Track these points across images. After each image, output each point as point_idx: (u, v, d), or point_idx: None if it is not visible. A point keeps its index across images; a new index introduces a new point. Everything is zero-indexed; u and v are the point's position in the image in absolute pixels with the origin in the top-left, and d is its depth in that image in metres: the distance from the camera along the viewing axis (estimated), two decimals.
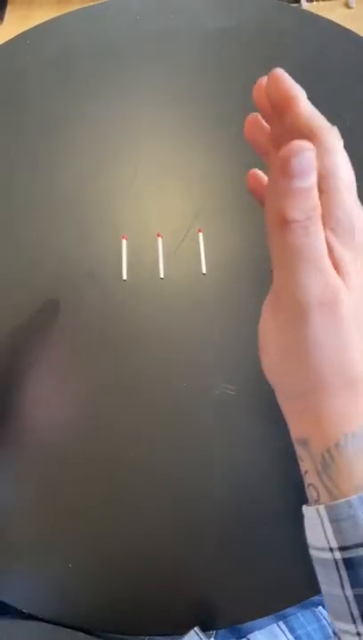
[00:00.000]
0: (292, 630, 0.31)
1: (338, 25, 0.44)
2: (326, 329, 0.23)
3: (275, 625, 0.31)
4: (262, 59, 0.43)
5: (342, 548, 0.21)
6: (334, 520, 0.21)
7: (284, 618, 0.31)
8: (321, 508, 0.21)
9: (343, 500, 0.20)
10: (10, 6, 1.51)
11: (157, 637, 0.30)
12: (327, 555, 0.21)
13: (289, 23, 0.44)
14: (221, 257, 0.36)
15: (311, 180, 0.21)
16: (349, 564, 0.20)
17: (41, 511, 0.32)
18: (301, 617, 0.32)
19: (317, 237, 0.22)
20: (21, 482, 0.32)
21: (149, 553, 0.30)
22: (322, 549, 0.22)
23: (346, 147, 0.40)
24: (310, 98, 0.43)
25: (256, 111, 0.41)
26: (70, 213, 0.39)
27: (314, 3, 1.34)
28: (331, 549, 0.21)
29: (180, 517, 0.31)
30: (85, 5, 0.47)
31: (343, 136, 0.42)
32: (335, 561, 0.21)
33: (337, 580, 0.21)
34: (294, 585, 0.29)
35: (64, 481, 0.32)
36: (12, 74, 0.44)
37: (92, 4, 0.47)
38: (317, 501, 0.22)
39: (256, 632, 0.31)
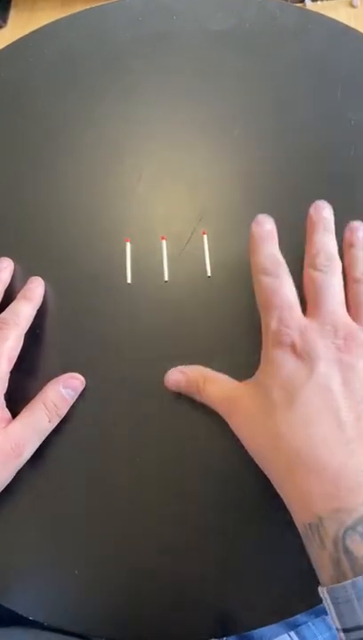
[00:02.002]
0: None
1: (342, 24, 0.43)
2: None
3: (286, 635, 0.31)
4: (266, 59, 0.42)
5: (344, 630, 0.22)
6: (335, 603, 0.22)
7: (295, 627, 0.31)
8: (324, 590, 0.23)
9: (339, 585, 0.22)
10: (13, 9, 1.52)
11: None
12: (337, 633, 0.23)
13: (293, 23, 0.44)
14: (226, 259, 0.36)
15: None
16: None
17: (45, 517, 0.31)
18: (312, 626, 0.31)
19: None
20: (26, 489, 0.32)
21: (158, 559, 0.30)
22: (335, 629, 0.23)
23: (351, 146, 0.40)
24: (314, 98, 0.43)
25: (258, 113, 0.41)
26: (73, 216, 0.38)
27: (318, 2, 1.33)
28: (338, 630, 0.22)
29: (188, 522, 0.30)
30: (87, 7, 0.47)
31: (348, 136, 0.42)
32: None
33: None
34: (305, 590, 0.28)
35: (69, 487, 0.32)
36: (15, 77, 0.44)
37: (94, 5, 0.47)
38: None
39: None
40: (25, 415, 0.30)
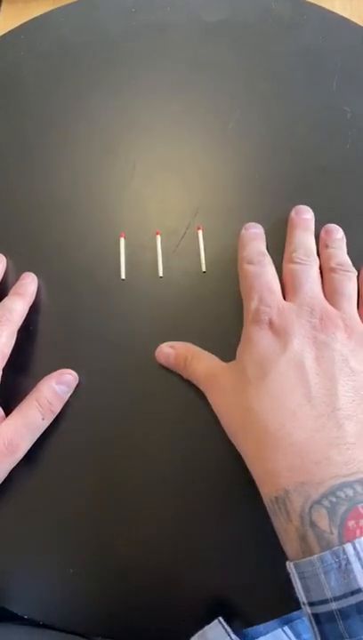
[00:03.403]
0: (297, 635, 0.30)
1: (338, 15, 0.43)
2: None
3: (280, 630, 0.31)
4: (261, 51, 0.42)
5: (310, 604, 0.22)
6: (302, 577, 0.22)
7: (289, 622, 0.31)
8: (291, 564, 0.23)
9: (306, 559, 0.22)
10: (5, 0, 1.50)
11: None
12: (303, 608, 0.23)
13: (288, 14, 0.43)
14: (221, 255, 0.36)
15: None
16: (316, 619, 0.22)
17: (40, 515, 0.31)
18: (306, 621, 0.31)
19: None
20: (21, 486, 0.32)
21: (154, 556, 0.30)
22: (301, 602, 0.23)
23: (347, 139, 0.39)
24: (310, 90, 0.43)
25: (255, 104, 0.41)
26: (66, 211, 0.38)
27: None
28: (304, 604, 0.22)
29: (186, 519, 0.30)
30: None
31: (345, 129, 0.42)
32: (308, 615, 0.22)
33: (312, 631, 0.22)
34: None
35: (64, 485, 0.32)
36: (7, 69, 0.43)
37: None
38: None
39: (261, 638, 0.30)
40: (18, 413, 0.30)
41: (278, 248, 0.34)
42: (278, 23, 0.43)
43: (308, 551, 0.22)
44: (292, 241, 0.33)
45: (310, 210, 0.34)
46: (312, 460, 0.23)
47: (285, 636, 0.30)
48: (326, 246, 0.33)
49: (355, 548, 0.21)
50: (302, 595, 0.22)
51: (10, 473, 0.30)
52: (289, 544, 0.23)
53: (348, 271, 0.31)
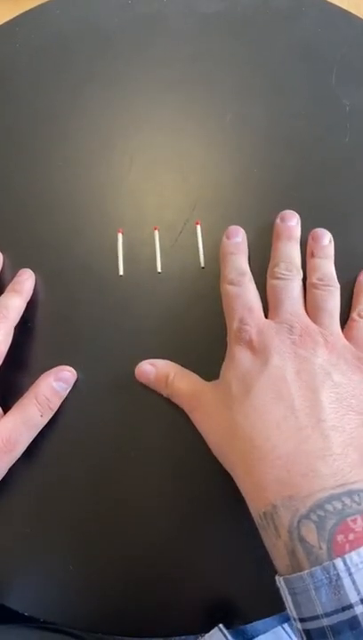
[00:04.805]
0: None
1: (337, 7, 0.42)
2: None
3: (280, 627, 0.31)
4: (258, 43, 0.41)
5: (301, 620, 0.22)
6: (292, 593, 0.22)
7: (289, 620, 0.31)
8: (281, 579, 0.23)
9: (297, 575, 0.22)
10: None
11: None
12: (294, 623, 0.23)
13: (286, 5, 0.42)
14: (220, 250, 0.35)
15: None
16: (307, 635, 0.22)
17: (39, 512, 0.31)
18: (297, 637, 0.31)
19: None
20: (20, 483, 0.31)
21: (154, 552, 0.30)
22: (291, 618, 0.23)
23: (346, 132, 0.39)
24: (308, 83, 0.42)
25: (253, 97, 0.40)
26: (63, 206, 0.38)
27: None
28: (294, 619, 0.22)
29: (185, 516, 0.30)
30: None
31: (344, 122, 0.41)
32: (299, 630, 0.22)
33: None
34: None
35: (64, 482, 0.31)
36: (1, 62, 0.43)
37: None
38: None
39: (261, 636, 0.30)
40: (16, 410, 0.30)
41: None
42: (276, 15, 0.42)
43: (297, 566, 0.22)
44: (275, 253, 0.33)
45: (297, 215, 0.34)
46: (299, 472, 0.23)
47: (284, 633, 0.31)
48: (312, 255, 0.32)
49: (345, 564, 0.21)
50: (292, 611, 0.22)
51: (8, 470, 0.30)
52: (279, 559, 0.24)
53: (329, 286, 0.31)
